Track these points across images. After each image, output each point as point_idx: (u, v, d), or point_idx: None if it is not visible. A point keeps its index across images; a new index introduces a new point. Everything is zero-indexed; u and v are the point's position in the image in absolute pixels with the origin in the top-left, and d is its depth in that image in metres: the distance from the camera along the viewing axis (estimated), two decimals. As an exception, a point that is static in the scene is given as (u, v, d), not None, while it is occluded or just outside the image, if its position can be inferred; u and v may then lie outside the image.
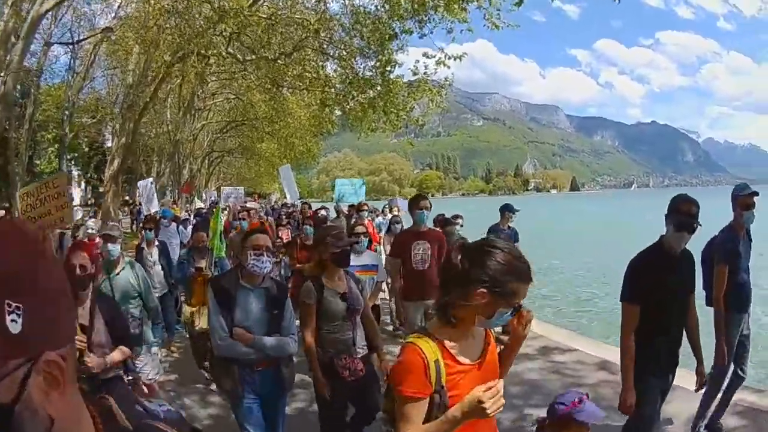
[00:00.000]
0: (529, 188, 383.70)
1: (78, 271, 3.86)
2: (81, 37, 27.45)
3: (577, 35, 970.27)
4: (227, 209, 14.71)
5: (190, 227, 13.79)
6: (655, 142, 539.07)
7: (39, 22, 13.79)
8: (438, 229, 7.97)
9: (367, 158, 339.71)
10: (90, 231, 9.82)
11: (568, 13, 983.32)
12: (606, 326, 10.98)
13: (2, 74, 12.87)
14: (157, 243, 8.34)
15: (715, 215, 4.95)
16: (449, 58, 15.46)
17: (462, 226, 9.35)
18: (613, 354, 6.43)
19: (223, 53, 17.28)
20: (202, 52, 16.85)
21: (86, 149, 42.67)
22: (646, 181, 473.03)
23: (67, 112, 26.89)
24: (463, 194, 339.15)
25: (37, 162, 39.22)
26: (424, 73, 16.59)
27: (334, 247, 4.21)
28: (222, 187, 32.02)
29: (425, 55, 15.87)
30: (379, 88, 16.87)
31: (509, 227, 9.06)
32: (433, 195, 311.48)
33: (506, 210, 9.10)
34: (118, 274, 5.68)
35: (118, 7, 22.91)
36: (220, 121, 41.05)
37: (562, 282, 17.83)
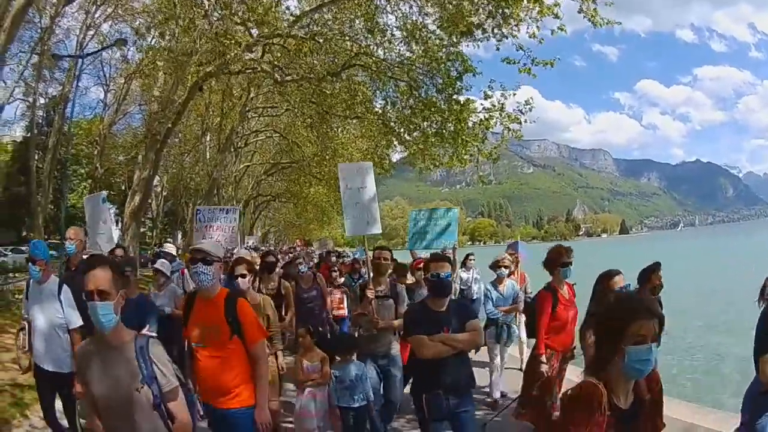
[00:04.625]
0: (580, 233, 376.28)
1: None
2: (114, 74, 26.41)
3: (617, 78, 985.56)
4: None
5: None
6: (697, 180, 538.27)
7: (23, 14, 11.49)
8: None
9: (419, 206, 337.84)
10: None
11: (607, 56, 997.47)
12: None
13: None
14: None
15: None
16: (536, 64, 12.07)
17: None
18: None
19: (258, 68, 14.58)
20: (231, 67, 14.28)
21: (123, 188, 41.39)
22: (691, 221, 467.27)
23: (98, 147, 25.48)
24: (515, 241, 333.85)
25: (69, 196, 38.43)
26: (502, 95, 13.64)
27: None
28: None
29: (506, 60, 12.40)
30: (445, 114, 13.98)
31: None
32: (485, 243, 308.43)
33: None
34: None
35: (152, 39, 21.15)
36: (265, 162, 38.98)
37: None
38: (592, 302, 5.13)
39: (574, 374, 5.93)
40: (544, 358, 5.47)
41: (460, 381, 4.28)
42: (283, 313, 7.36)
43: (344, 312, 9.76)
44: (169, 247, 12.32)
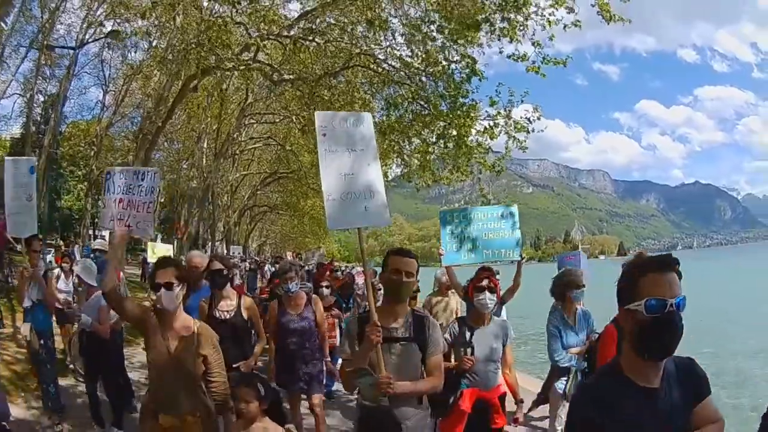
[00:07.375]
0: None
1: None
2: (114, 71, 26.11)
3: (618, 97, 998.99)
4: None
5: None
6: (695, 202, 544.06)
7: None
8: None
9: (416, 224, 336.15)
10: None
11: (609, 74, 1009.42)
12: None
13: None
14: None
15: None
16: (546, 62, 10.92)
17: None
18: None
19: (252, 65, 13.99)
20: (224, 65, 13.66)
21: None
22: (689, 243, 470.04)
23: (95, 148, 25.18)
24: (512, 261, 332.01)
25: (66, 197, 38.23)
26: (509, 101, 12.28)
27: None
28: None
29: (513, 57, 11.54)
30: (448, 118, 12.79)
31: None
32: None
33: None
34: None
35: (152, 38, 20.82)
36: (262, 172, 38.35)
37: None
38: None
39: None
40: None
41: None
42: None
43: (336, 341, 8.09)
44: (101, 243, 9.46)
